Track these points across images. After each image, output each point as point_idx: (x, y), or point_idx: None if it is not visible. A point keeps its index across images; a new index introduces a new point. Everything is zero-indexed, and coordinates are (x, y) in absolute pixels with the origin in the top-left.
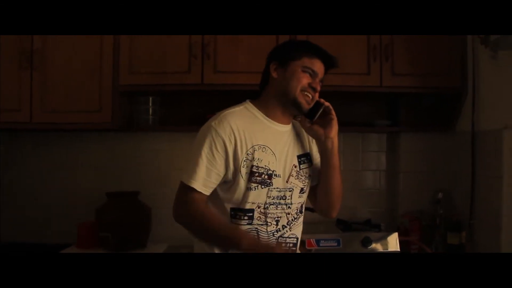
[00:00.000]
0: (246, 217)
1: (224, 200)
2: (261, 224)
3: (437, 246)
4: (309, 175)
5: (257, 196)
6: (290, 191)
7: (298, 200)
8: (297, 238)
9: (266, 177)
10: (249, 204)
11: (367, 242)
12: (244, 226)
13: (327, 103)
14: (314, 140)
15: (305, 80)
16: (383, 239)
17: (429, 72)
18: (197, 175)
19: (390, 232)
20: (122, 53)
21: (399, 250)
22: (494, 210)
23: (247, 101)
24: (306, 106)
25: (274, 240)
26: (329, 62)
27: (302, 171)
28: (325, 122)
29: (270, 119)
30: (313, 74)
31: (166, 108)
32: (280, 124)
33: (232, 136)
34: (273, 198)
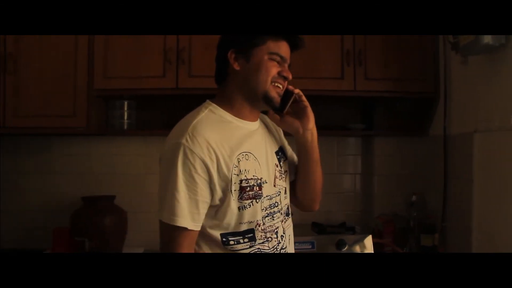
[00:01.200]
0: (246, 239)
1: (211, 227)
2: (262, 243)
3: (411, 248)
4: (285, 171)
5: (253, 214)
6: (278, 195)
7: (285, 201)
8: (287, 246)
9: (257, 188)
10: (245, 225)
11: (341, 244)
12: (245, 250)
13: (296, 90)
14: (281, 131)
15: (274, 69)
16: (357, 241)
17: (402, 77)
18: (181, 209)
19: (364, 235)
20: (96, 57)
21: (372, 252)
22: (466, 213)
23: (208, 101)
24: (278, 99)
25: (279, 248)
26: (295, 43)
27: (282, 168)
28: (298, 112)
29: (240, 119)
30: (281, 61)
31: (142, 113)
32: (250, 122)
33: (212, 152)
34: (266, 209)
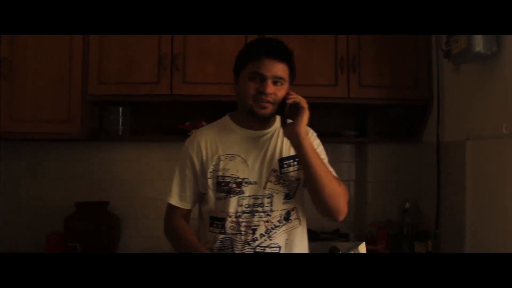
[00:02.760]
0: (220, 226)
1: (203, 211)
2: (235, 234)
3: None
4: (297, 179)
5: (225, 205)
6: (269, 197)
7: (282, 206)
8: (280, 247)
9: (234, 185)
10: (219, 213)
11: (334, 251)
12: (220, 235)
13: (291, 100)
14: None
15: (251, 88)
16: (351, 248)
17: (396, 84)
18: (172, 191)
19: (358, 242)
20: (91, 63)
21: None
22: (459, 220)
23: (227, 114)
24: (263, 112)
25: (250, 250)
26: (280, 53)
27: (285, 175)
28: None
29: (243, 128)
30: (262, 78)
31: (136, 118)
32: (252, 131)
33: (199, 152)
34: (248, 206)
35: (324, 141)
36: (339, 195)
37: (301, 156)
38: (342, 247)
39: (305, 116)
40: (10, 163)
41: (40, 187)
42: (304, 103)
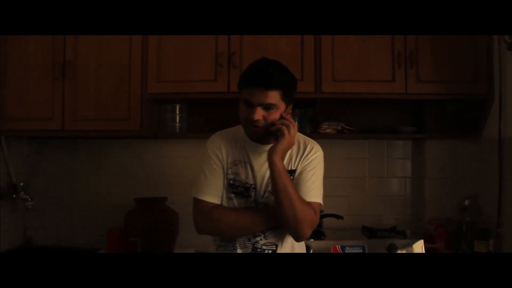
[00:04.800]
0: None
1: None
2: None
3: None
4: None
5: (234, 205)
6: (264, 205)
7: None
8: (277, 245)
9: (242, 190)
10: None
11: (392, 249)
12: None
13: (274, 128)
14: (302, 157)
15: (244, 113)
16: (408, 246)
17: (455, 78)
18: (205, 187)
19: (415, 239)
20: (150, 62)
21: None
22: None
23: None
24: (252, 135)
25: (249, 245)
26: (271, 82)
27: None
28: None
29: (253, 141)
30: (250, 105)
31: (193, 116)
32: (261, 145)
33: (220, 152)
34: None
35: (380, 138)
36: (298, 221)
37: (272, 180)
38: (400, 244)
39: (282, 142)
40: (72, 161)
41: (101, 184)
42: (285, 130)
